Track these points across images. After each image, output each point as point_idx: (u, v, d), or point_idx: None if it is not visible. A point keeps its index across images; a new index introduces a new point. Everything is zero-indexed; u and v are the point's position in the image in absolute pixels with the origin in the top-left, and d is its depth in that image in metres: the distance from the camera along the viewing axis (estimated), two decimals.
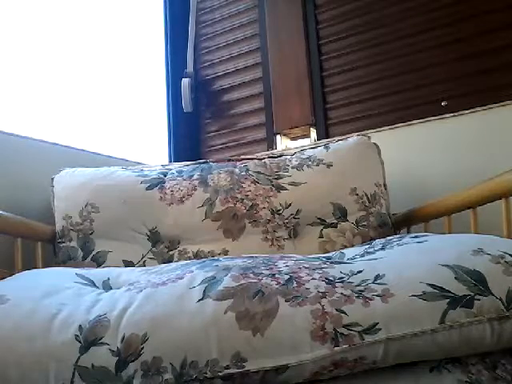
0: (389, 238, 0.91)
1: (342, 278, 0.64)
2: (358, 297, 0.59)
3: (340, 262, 0.72)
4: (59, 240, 1.21)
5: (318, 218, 1.16)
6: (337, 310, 0.57)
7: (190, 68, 1.93)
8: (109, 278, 0.78)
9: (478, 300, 0.58)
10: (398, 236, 0.92)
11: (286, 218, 1.16)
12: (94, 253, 1.17)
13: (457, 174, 1.33)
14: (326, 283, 0.62)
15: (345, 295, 0.59)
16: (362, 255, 0.80)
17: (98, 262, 1.15)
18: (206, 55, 2.00)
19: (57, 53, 1.66)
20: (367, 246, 0.88)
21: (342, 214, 1.16)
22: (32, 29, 1.58)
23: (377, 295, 0.59)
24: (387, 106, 1.60)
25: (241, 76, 1.91)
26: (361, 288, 0.60)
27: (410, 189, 1.36)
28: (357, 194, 1.17)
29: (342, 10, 1.71)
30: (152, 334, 0.57)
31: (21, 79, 1.53)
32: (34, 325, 0.60)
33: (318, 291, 0.60)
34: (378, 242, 0.88)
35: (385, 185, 1.23)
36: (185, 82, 1.89)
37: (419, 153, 1.46)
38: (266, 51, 1.85)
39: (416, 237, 0.82)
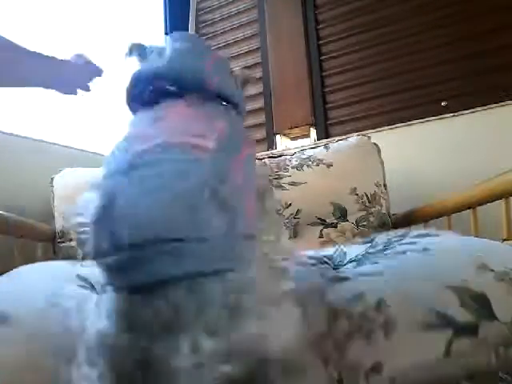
0: (390, 234, 0.88)
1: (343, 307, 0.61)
2: (359, 332, 0.56)
3: (341, 278, 0.69)
4: (59, 240, 1.22)
5: (318, 218, 1.16)
6: (339, 349, 0.55)
7: None
8: None
9: (483, 326, 0.56)
10: (400, 233, 0.88)
11: (286, 218, 1.16)
12: None
13: (457, 174, 1.33)
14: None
15: (347, 332, 0.57)
16: (364, 256, 0.79)
17: None
18: None
19: (58, 52, 1.65)
20: (368, 245, 0.87)
21: (342, 213, 1.16)
22: (33, 28, 1.58)
23: (379, 326, 0.57)
24: (387, 106, 1.60)
25: None
26: (363, 319, 0.58)
27: (410, 189, 1.36)
28: (357, 194, 1.17)
29: (342, 10, 1.72)
30: None
31: None
32: (40, 353, 0.57)
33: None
34: (380, 241, 0.87)
35: (385, 185, 1.24)
36: None
37: (419, 153, 1.46)
38: (265, 51, 1.85)
39: (418, 237, 0.80)
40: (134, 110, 0.65)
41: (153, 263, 0.41)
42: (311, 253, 0.92)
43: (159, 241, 0.41)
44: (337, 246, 0.95)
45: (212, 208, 0.43)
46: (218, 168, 0.47)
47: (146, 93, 0.63)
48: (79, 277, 0.77)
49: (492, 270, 0.62)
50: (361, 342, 0.56)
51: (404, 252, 0.73)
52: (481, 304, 0.58)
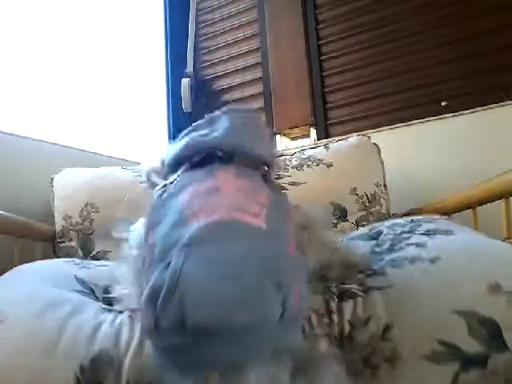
0: (396, 230, 0.84)
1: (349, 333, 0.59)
2: (365, 365, 0.55)
3: (347, 295, 0.66)
4: (59, 240, 1.22)
5: None
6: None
7: (189, 68, 1.93)
8: (110, 286, 0.74)
9: (493, 357, 0.53)
10: (406, 229, 0.83)
11: None
12: (93, 253, 1.17)
13: (457, 174, 1.33)
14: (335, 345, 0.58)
15: (351, 362, 0.55)
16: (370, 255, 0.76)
17: None
18: (206, 55, 2.00)
19: (57, 52, 1.66)
20: (374, 243, 0.83)
21: (341, 213, 1.16)
22: (32, 28, 1.58)
23: (384, 360, 0.55)
24: (387, 106, 1.60)
25: (241, 76, 1.91)
26: (368, 350, 0.56)
27: (410, 189, 1.36)
28: (357, 194, 1.17)
29: (342, 10, 1.71)
30: None
31: (21, 79, 1.53)
32: (35, 353, 0.57)
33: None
34: (386, 238, 0.82)
35: (385, 185, 1.23)
36: (185, 82, 1.89)
37: (419, 153, 1.46)
38: (265, 51, 1.85)
39: (427, 233, 0.76)
40: (175, 169, 0.69)
41: (221, 348, 0.43)
42: None
43: (228, 327, 0.43)
44: (340, 239, 0.92)
45: (273, 291, 0.46)
46: (274, 248, 0.51)
47: (196, 158, 0.67)
48: (77, 279, 0.76)
49: (506, 292, 0.58)
50: (367, 378, 0.55)
51: (412, 261, 0.69)
52: (491, 332, 0.54)
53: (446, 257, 0.67)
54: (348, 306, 0.62)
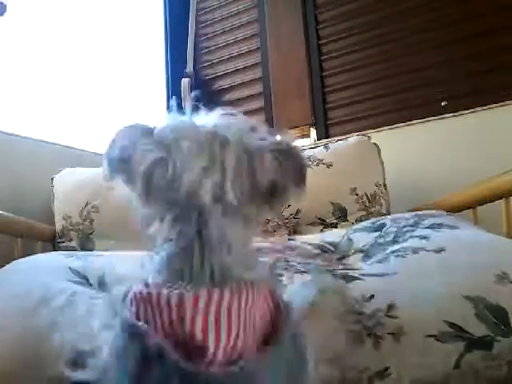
0: (399, 220, 0.83)
1: (353, 306, 0.58)
2: (368, 335, 0.54)
3: (350, 276, 0.65)
4: (59, 240, 1.22)
5: (318, 218, 1.16)
6: (346, 352, 0.53)
7: (189, 68, 1.93)
8: (104, 274, 0.75)
9: (499, 341, 0.53)
10: (411, 220, 0.82)
11: (286, 218, 1.16)
12: None
13: (457, 174, 1.33)
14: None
15: (355, 332, 0.54)
16: (373, 248, 0.76)
17: None
18: (206, 55, 2.00)
19: (57, 52, 1.66)
20: (377, 234, 0.83)
21: (341, 213, 1.16)
22: (32, 27, 1.58)
23: (389, 333, 0.54)
24: (387, 106, 1.59)
25: (241, 76, 1.91)
26: (373, 322, 0.56)
27: (410, 188, 1.36)
28: (357, 194, 1.17)
29: (342, 10, 1.71)
30: None
31: (21, 78, 1.53)
32: (27, 353, 0.56)
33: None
34: (390, 229, 0.82)
35: (385, 185, 1.23)
36: (185, 81, 1.89)
37: (419, 153, 1.46)
38: (265, 51, 1.84)
39: (430, 228, 0.75)
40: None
41: None
42: (313, 239, 0.88)
43: None
44: (344, 232, 0.90)
45: None
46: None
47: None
48: (72, 270, 0.76)
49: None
50: (369, 345, 0.54)
51: (416, 251, 0.69)
52: (497, 317, 0.55)
53: (452, 249, 0.67)
54: (351, 286, 0.62)
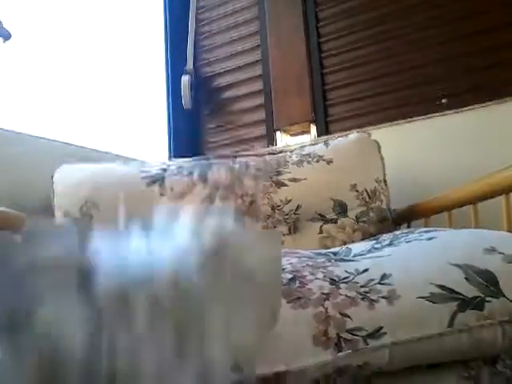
0: (396, 232, 0.89)
1: (347, 277, 0.60)
2: (362, 299, 0.56)
3: (346, 260, 0.70)
4: None
5: (318, 214, 1.16)
6: (340, 313, 0.54)
7: (189, 65, 1.93)
8: None
9: (489, 302, 0.55)
10: (406, 231, 0.89)
11: (286, 214, 1.16)
12: None
13: (457, 170, 1.33)
14: (330, 283, 0.59)
15: (349, 297, 0.56)
16: (370, 251, 0.79)
17: None
18: (206, 52, 2.00)
19: (57, 49, 1.65)
20: (374, 242, 0.87)
21: (342, 209, 1.16)
22: (32, 26, 1.58)
23: (382, 297, 0.56)
24: (387, 103, 1.60)
25: (241, 73, 1.91)
26: (366, 289, 0.58)
27: (410, 185, 1.36)
28: (357, 190, 1.17)
29: (343, 7, 1.71)
30: None
31: (20, 76, 1.53)
32: None
33: (322, 292, 0.57)
34: (386, 237, 0.86)
35: (385, 181, 1.23)
36: (185, 79, 1.89)
37: (419, 149, 1.46)
38: (266, 48, 1.84)
39: (425, 232, 0.80)
40: None
41: None
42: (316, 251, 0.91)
43: None
44: (341, 248, 0.95)
45: None
46: None
47: None
48: None
49: (501, 253, 0.61)
50: (363, 307, 0.55)
51: (409, 241, 0.73)
52: (487, 280, 0.57)
53: (443, 236, 0.72)
54: (342, 264, 0.66)
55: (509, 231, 0.89)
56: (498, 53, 1.43)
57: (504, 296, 0.56)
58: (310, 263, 0.66)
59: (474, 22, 1.48)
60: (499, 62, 1.42)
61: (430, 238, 0.72)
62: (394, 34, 1.60)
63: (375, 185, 1.19)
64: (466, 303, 0.55)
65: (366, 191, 1.17)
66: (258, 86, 1.85)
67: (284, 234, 1.15)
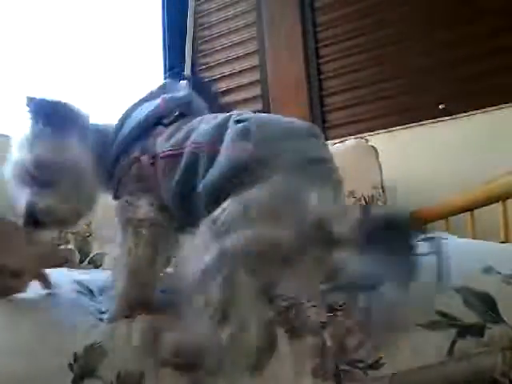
0: None
1: (344, 304, 0.59)
2: (360, 328, 0.55)
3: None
4: (58, 243, 1.21)
5: None
6: (338, 344, 0.54)
7: (187, 71, 1.93)
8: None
9: (490, 328, 0.54)
10: None
11: None
12: (91, 255, 1.17)
13: (454, 177, 1.33)
14: (328, 311, 0.58)
15: (348, 327, 0.55)
16: None
17: (96, 264, 1.15)
18: (204, 58, 2.00)
19: (57, 50, 1.66)
20: None
21: None
22: (31, 25, 1.59)
23: (381, 324, 0.55)
24: (385, 109, 1.60)
25: (239, 79, 1.91)
26: (363, 317, 0.56)
27: (407, 191, 1.36)
28: (355, 197, 1.17)
29: (340, 13, 1.72)
30: None
31: (20, 75, 1.53)
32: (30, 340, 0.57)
33: (320, 321, 0.56)
34: None
35: (383, 187, 1.24)
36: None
37: (417, 156, 1.46)
38: (263, 54, 1.85)
39: (424, 239, 0.78)
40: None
41: None
42: None
43: None
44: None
45: None
46: None
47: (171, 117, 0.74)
48: (77, 282, 0.76)
49: (499, 273, 0.60)
50: (361, 337, 0.54)
51: None
52: (487, 304, 0.56)
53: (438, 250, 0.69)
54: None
55: (505, 238, 0.89)
56: (496, 58, 1.43)
57: (504, 322, 0.55)
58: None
59: (473, 27, 1.48)
60: (497, 67, 1.42)
61: (428, 253, 0.69)
62: (391, 41, 1.61)
63: (373, 191, 1.20)
64: (465, 329, 0.54)
65: (364, 198, 1.17)
66: (256, 91, 1.85)
67: None
